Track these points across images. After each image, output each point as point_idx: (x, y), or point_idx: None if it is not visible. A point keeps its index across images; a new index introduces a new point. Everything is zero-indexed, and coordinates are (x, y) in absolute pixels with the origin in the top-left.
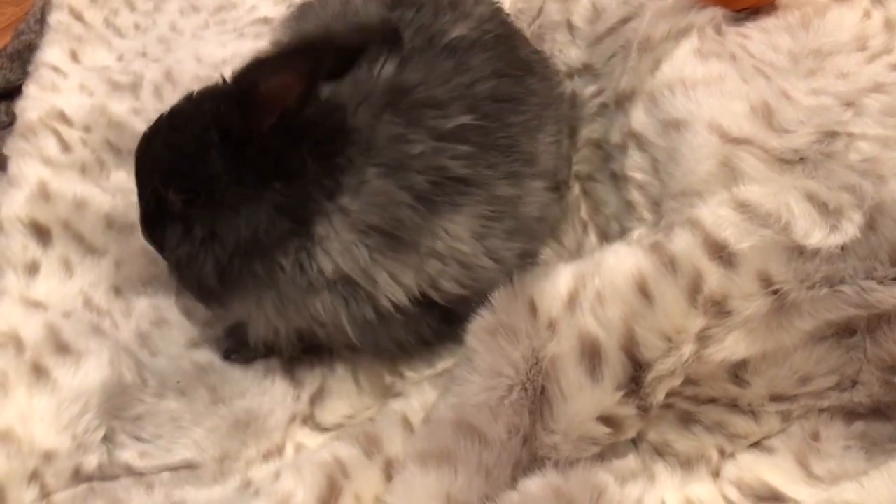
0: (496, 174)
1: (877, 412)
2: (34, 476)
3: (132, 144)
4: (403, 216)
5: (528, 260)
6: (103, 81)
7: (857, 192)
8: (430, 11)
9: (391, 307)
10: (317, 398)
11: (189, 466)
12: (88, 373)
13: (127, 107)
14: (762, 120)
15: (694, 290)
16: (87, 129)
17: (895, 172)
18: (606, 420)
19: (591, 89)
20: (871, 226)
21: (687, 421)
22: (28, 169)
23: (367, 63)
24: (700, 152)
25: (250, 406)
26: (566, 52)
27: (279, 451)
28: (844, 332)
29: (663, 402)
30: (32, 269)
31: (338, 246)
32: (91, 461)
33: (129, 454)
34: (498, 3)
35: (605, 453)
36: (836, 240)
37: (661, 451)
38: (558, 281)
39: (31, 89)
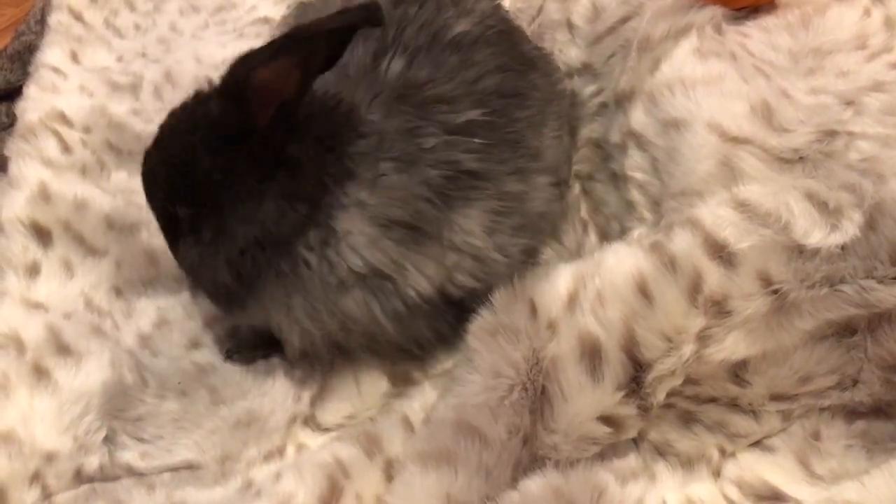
0: (505, 169)
1: (878, 411)
2: (36, 477)
3: (132, 145)
4: (423, 209)
5: (530, 256)
6: (103, 82)
7: (856, 191)
8: (433, 7)
9: (417, 298)
10: (317, 399)
11: (190, 467)
12: (89, 374)
13: (127, 107)
14: (762, 119)
15: (694, 289)
16: (87, 129)
17: (895, 171)
18: (607, 420)
19: (590, 89)
20: (871, 225)
21: (687, 420)
22: (28, 170)
23: (372, 60)
24: (700, 152)
25: (251, 407)
26: (566, 52)
27: (280, 451)
28: (845, 331)
29: (664, 402)
30: (33, 270)
31: (363, 240)
32: (92, 462)
33: (130, 455)
34: (498, 0)
35: (606, 453)
36: (836, 239)
37: (661, 451)
38: (558, 281)
39: (31, 90)
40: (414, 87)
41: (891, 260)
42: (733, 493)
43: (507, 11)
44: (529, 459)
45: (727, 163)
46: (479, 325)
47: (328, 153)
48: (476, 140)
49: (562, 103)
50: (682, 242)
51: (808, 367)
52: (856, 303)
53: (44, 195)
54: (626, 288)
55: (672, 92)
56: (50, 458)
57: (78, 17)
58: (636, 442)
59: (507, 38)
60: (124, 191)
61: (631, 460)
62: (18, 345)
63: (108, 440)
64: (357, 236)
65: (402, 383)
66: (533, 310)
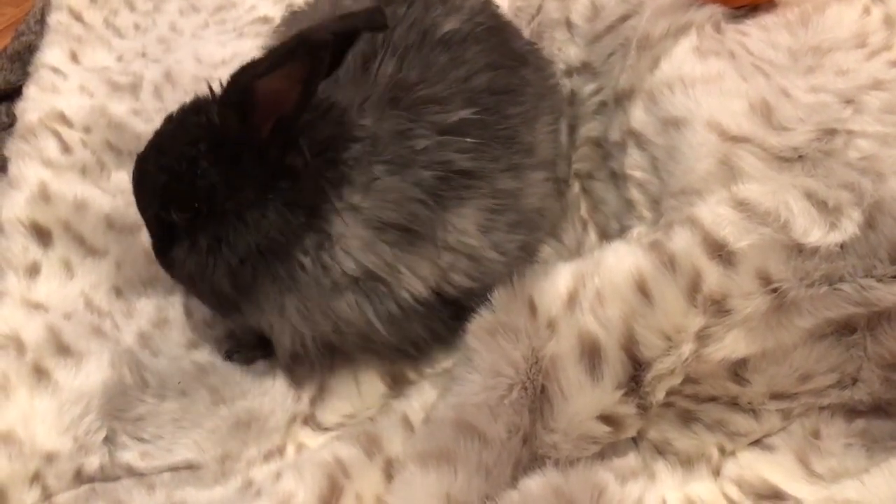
0: (498, 167)
1: (877, 409)
2: (36, 477)
3: (132, 145)
4: (416, 211)
5: (528, 253)
6: (103, 82)
7: (856, 189)
8: (421, 6)
9: (411, 300)
10: (317, 398)
11: (190, 467)
12: (89, 374)
13: (127, 107)
14: (761, 118)
15: (693, 288)
16: (87, 130)
17: (895, 170)
18: (606, 419)
19: (590, 87)
20: (870, 224)
21: (687, 419)
22: (28, 170)
23: (363, 62)
24: (699, 151)
25: (251, 406)
26: (565, 51)
27: (280, 451)
28: (844, 329)
29: (663, 401)
30: (33, 270)
31: (358, 243)
32: (92, 462)
33: (130, 455)
34: None
35: (606, 452)
36: (836, 238)
37: (661, 450)
38: (558, 280)
39: (31, 90)
40: (405, 89)
41: (890, 258)
42: (733, 492)
43: (497, 7)
44: (529, 458)
45: (726, 161)
46: (479, 324)
47: (325, 160)
48: (468, 139)
49: (555, 98)
50: (682, 241)
51: (808, 366)
52: (855, 301)
53: (44, 195)
54: (626, 287)
55: (671, 90)
56: (50, 458)
57: (78, 17)
58: (636, 441)
59: (497, 34)
60: (124, 191)
61: (630, 459)
62: (18, 345)
63: (109, 440)
64: (351, 239)
65: (401, 383)
66: (532, 309)
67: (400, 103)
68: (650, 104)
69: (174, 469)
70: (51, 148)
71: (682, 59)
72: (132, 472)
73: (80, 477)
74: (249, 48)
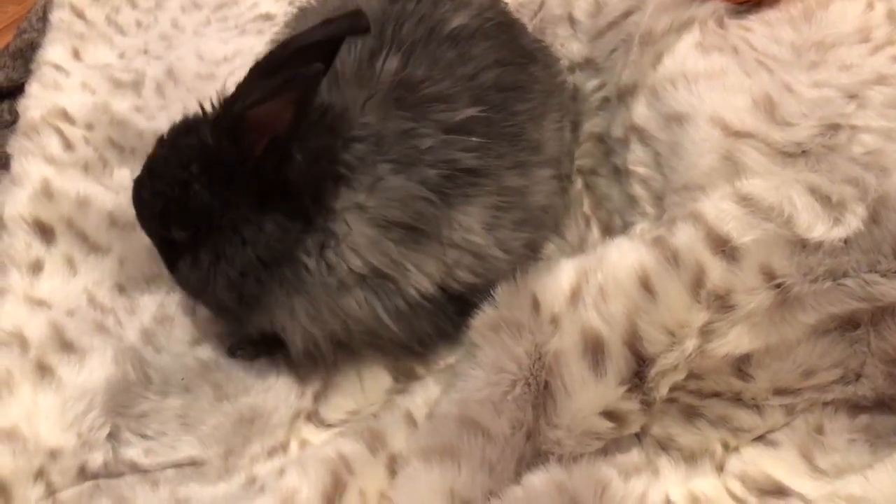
0: (504, 164)
1: (881, 405)
2: (40, 474)
3: (134, 142)
4: (422, 209)
5: (533, 250)
6: (105, 79)
7: (860, 184)
8: (430, 2)
9: (418, 296)
10: (321, 394)
11: (194, 463)
12: (93, 371)
13: (129, 104)
14: (764, 113)
15: (697, 284)
16: (89, 127)
17: None
18: (610, 415)
19: (592, 83)
20: (874, 219)
21: (691, 415)
22: (31, 167)
23: (369, 58)
24: (702, 146)
25: (254, 403)
26: (568, 47)
27: (283, 447)
28: (848, 325)
29: (667, 397)
30: (36, 267)
31: (364, 241)
32: (96, 459)
33: (133, 451)
34: None
35: (609, 448)
36: (839, 233)
37: (664, 446)
38: (561, 276)
39: (33, 88)
40: (410, 86)
41: (894, 254)
42: (737, 487)
43: (506, 4)
44: (532, 454)
45: (730, 157)
46: (482, 320)
47: (323, 165)
48: (474, 139)
49: (563, 95)
50: (685, 237)
51: (812, 361)
52: (859, 297)
53: (46, 192)
54: (629, 282)
55: (674, 86)
56: (54, 454)
57: (80, 15)
58: (639, 437)
59: (505, 30)
60: (127, 188)
61: (634, 455)
62: (22, 342)
63: (112, 437)
64: (357, 237)
65: (404, 379)
66: (535, 305)
67: (405, 101)
68: (653, 100)
69: (178, 465)
70: (53, 145)
71: (684, 54)
72: (136, 469)
73: (83, 473)
74: (251, 45)
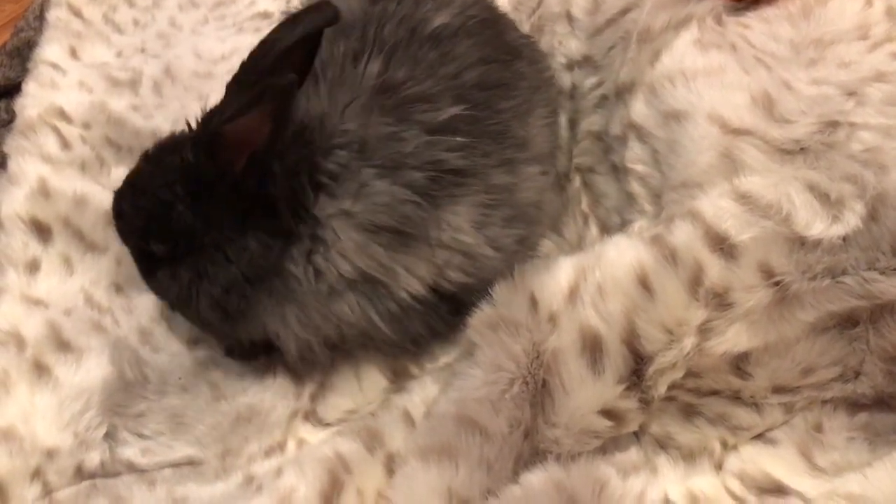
0: (491, 162)
1: (880, 403)
2: (36, 474)
3: (132, 141)
4: (409, 213)
5: (526, 246)
6: (102, 78)
7: (858, 182)
8: (412, 1)
9: (410, 299)
10: (318, 394)
11: (191, 463)
12: (90, 370)
13: (126, 103)
14: (763, 110)
15: (695, 282)
16: (86, 125)
17: None
18: (608, 413)
19: (591, 81)
20: (872, 216)
21: (689, 413)
22: (28, 166)
23: (352, 61)
24: (700, 144)
25: (252, 402)
26: (566, 44)
27: (281, 446)
28: (847, 323)
29: (665, 395)
30: (33, 266)
31: (352, 246)
32: (93, 458)
33: (130, 451)
34: None
35: (607, 446)
36: (838, 230)
37: (663, 444)
38: (559, 274)
39: (30, 87)
40: (392, 88)
41: (893, 251)
42: (735, 486)
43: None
44: (531, 453)
45: (728, 154)
46: (480, 318)
47: (304, 177)
48: (458, 138)
49: (550, 90)
50: (683, 234)
51: (811, 359)
52: (858, 294)
53: (43, 191)
54: (627, 280)
55: (673, 83)
56: (51, 454)
57: (77, 13)
58: (637, 435)
59: (490, 27)
60: None
61: (632, 454)
62: (19, 341)
63: (109, 436)
64: (345, 243)
65: (402, 378)
66: (533, 303)
67: (387, 104)
68: (651, 97)
69: (175, 465)
70: (50, 144)
71: (683, 51)
72: (133, 469)
73: (80, 473)
74: (249, 43)
